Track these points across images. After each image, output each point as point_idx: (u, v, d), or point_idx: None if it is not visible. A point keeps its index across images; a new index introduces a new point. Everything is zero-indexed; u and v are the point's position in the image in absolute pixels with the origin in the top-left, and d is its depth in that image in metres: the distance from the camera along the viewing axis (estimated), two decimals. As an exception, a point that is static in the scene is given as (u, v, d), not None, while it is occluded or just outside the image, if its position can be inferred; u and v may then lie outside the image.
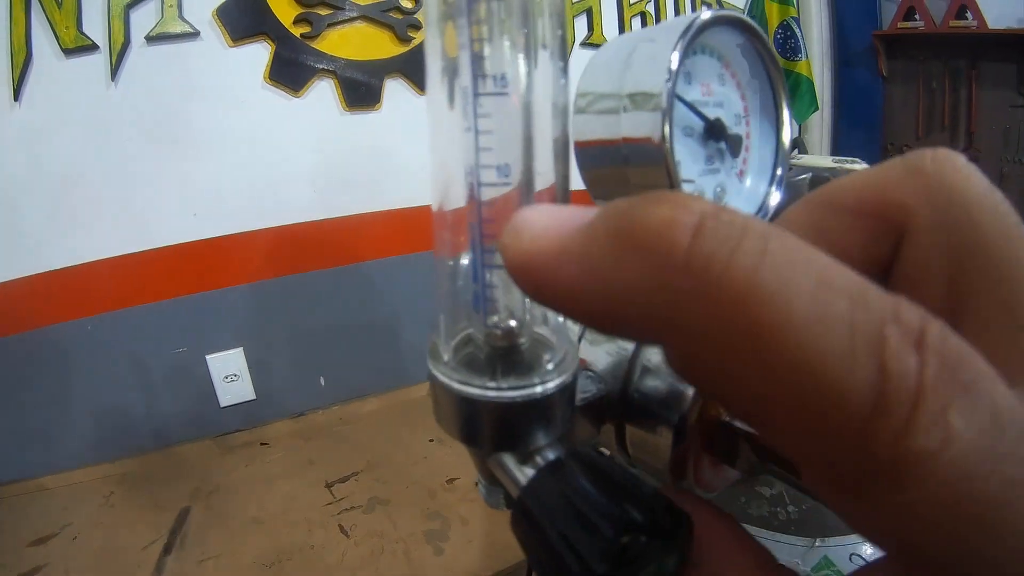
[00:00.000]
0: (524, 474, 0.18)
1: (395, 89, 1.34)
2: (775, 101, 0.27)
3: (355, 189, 1.35)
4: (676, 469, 0.23)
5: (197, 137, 1.19)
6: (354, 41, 1.28)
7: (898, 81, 2.30)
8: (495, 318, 0.19)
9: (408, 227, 1.37)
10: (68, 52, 1.06)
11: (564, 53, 0.18)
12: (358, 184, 1.35)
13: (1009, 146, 2.06)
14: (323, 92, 1.28)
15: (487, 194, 0.18)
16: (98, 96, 1.10)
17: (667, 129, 0.22)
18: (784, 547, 0.37)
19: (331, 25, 1.25)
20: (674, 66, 0.21)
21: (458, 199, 0.18)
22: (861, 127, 2.39)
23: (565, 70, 0.18)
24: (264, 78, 1.22)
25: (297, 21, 1.22)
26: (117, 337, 1.19)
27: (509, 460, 0.19)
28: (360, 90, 1.31)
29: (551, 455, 0.18)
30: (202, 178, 1.21)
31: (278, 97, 1.24)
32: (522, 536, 0.17)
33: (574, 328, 0.24)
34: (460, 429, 0.19)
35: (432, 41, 0.17)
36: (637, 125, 0.22)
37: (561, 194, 0.19)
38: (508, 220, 0.15)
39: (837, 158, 0.40)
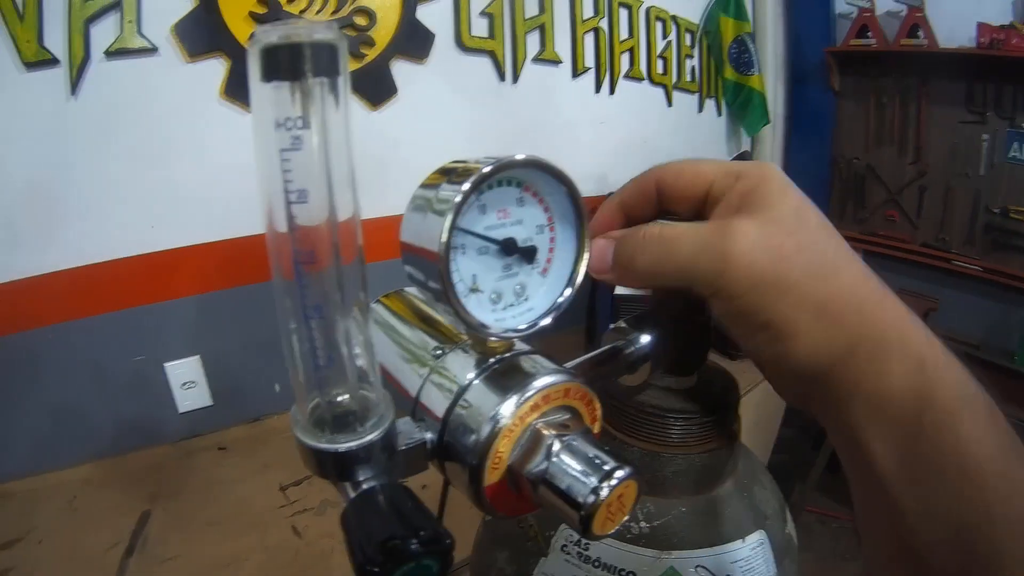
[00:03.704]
0: (350, 496, 0.27)
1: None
2: (577, 219, 0.32)
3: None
4: (479, 499, 0.29)
5: (155, 151, 1.21)
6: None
7: (850, 96, 2.38)
8: (332, 392, 0.28)
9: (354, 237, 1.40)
10: (29, 65, 1.07)
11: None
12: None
13: (957, 161, 2.14)
14: (277, 107, 1.30)
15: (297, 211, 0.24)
16: (58, 109, 1.12)
17: (446, 262, 0.28)
18: (634, 557, 0.42)
19: (287, 42, 1.28)
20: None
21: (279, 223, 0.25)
22: (812, 141, 2.46)
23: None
24: (220, 93, 1.25)
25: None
26: (77, 345, 1.21)
27: (347, 486, 0.28)
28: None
29: (372, 485, 0.27)
30: (159, 191, 1.23)
31: (233, 112, 1.27)
32: (344, 535, 0.26)
33: (415, 380, 0.32)
34: (314, 468, 0.28)
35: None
36: (429, 239, 0.27)
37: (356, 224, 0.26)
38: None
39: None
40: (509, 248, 0.30)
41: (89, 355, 1.23)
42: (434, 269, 0.27)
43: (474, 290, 0.30)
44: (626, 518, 0.28)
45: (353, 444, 0.26)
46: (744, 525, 0.46)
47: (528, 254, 0.31)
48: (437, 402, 0.31)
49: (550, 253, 0.32)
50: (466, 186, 0.27)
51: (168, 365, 1.29)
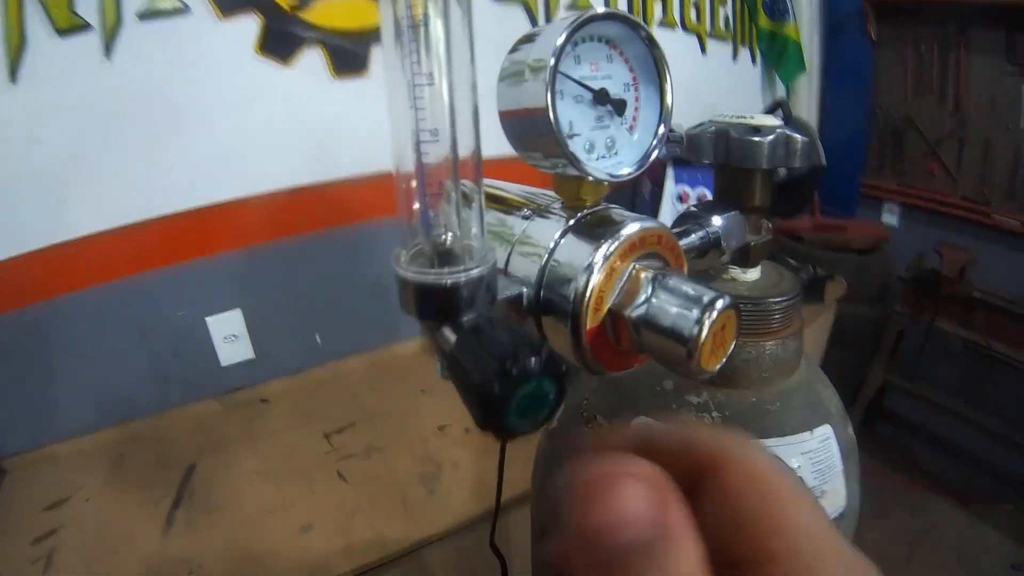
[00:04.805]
0: (450, 341, 0.26)
1: (382, 56, 1.36)
2: (658, 74, 0.33)
3: (346, 154, 1.38)
4: (579, 351, 0.29)
5: (191, 109, 1.21)
6: (341, 11, 1.31)
7: (887, 46, 2.31)
8: (437, 231, 0.27)
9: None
10: (62, 32, 1.07)
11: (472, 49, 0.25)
12: (349, 149, 1.38)
13: (997, 113, 2.07)
14: (312, 61, 1.30)
15: (425, 150, 0.26)
16: (93, 74, 1.12)
17: (551, 97, 0.28)
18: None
19: (319, -5, 1.28)
20: (557, 48, 0.28)
21: (407, 157, 0.27)
22: (850, 91, 2.40)
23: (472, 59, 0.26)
24: (255, 49, 1.24)
25: (285, -8, 1.24)
26: (119, 305, 1.23)
27: (446, 329, 0.27)
28: (348, 58, 1.34)
29: (473, 317, 0.26)
30: (197, 149, 1.24)
31: (269, 67, 1.26)
32: (453, 377, 0.25)
33: (501, 252, 0.32)
34: (416, 307, 0.27)
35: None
36: (533, 96, 0.28)
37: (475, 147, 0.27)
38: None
39: (740, 115, 0.45)
40: (602, 97, 0.31)
41: (131, 313, 1.24)
42: (541, 119, 0.28)
43: (571, 136, 0.30)
44: (722, 361, 0.28)
45: (461, 277, 0.26)
46: (811, 419, 0.47)
47: (619, 106, 0.32)
48: (529, 262, 0.31)
49: (635, 111, 0.33)
50: (564, 32, 0.28)
51: (210, 319, 1.31)
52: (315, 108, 1.33)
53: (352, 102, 1.36)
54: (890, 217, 2.42)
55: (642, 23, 0.31)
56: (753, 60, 2.18)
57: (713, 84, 2.02)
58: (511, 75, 0.30)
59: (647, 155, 0.32)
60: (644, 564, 0.16)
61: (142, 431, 1.26)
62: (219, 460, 1.16)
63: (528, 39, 0.30)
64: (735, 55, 2.13)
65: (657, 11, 1.79)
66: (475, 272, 0.26)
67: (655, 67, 0.32)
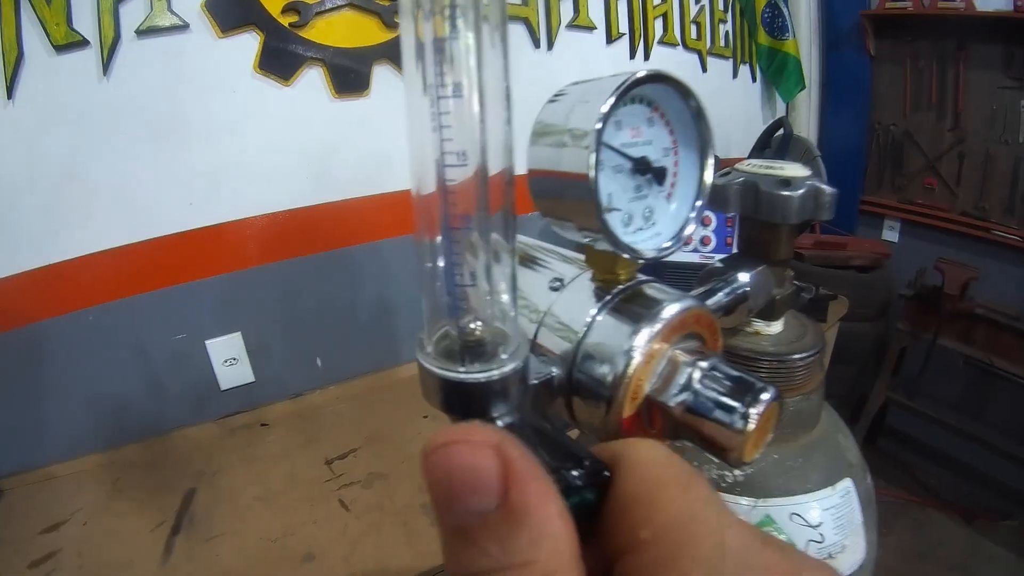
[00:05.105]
0: None
1: (383, 75, 1.36)
2: (701, 145, 0.31)
3: (346, 174, 1.37)
4: (610, 435, 0.27)
5: (190, 128, 1.20)
6: (342, 29, 1.30)
7: (886, 61, 2.32)
8: (465, 319, 0.24)
9: (398, 210, 1.40)
10: (59, 48, 1.06)
11: (507, 51, 0.22)
12: (349, 169, 1.37)
13: (996, 127, 2.08)
14: (312, 80, 1.29)
15: (450, 175, 0.22)
16: (91, 91, 1.11)
17: (595, 168, 0.26)
18: (731, 506, 0.41)
19: (319, 14, 1.27)
20: (603, 116, 0.26)
21: (429, 182, 0.23)
22: (849, 107, 2.41)
23: (508, 66, 0.22)
24: (254, 68, 1.23)
25: (285, 11, 1.23)
26: (118, 326, 1.21)
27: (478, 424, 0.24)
28: (349, 77, 1.33)
29: (508, 420, 0.24)
30: (197, 168, 1.22)
31: (268, 86, 1.25)
32: None
33: (528, 324, 0.30)
34: (441, 402, 0.24)
35: (406, 38, 0.21)
36: (573, 162, 0.26)
37: (508, 176, 0.23)
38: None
39: (768, 162, 0.44)
40: (643, 167, 0.29)
41: (130, 335, 1.23)
42: (581, 186, 0.26)
43: (609, 210, 0.28)
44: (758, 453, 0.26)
45: (495, 374, 0.23)
46: (832, 473, 0.47)
47: (660, 174, 0.30)
48: (560, 340, 0.29)
49: (674, 177, 0.31)
50: (611, 98, 0.26)
51: (209, 342, 1.29)
52: (315, 127, 1.32)
53: (353, 122, 1.35)
54: (890, 233, 2.42)
55: (691, 88, 0.29)
56: (753, 77, 2.19)
57: (714, 102, 2.00)
58: (547, 140, 0.28)
59: (684, 227, 0.31)
60: (486, 536, 0.16)
61: (141, 454, 1.24)
62: (219, 485, 1.14)
63: (561, 98, 0.29)
64: (735, 72, 2.14)
65: (658, 28, 1.79)
66: (510, 368, 0.23)
67: (698, 135, 0.31)
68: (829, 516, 0.45)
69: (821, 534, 0.45)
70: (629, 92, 0.27)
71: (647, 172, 0.29)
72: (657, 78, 0.28)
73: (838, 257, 2.01)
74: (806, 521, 0.45)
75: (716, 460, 0.39)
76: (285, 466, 1.18)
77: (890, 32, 2.26)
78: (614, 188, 0.29)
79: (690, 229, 0.31)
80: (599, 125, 0.25)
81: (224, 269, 1.29)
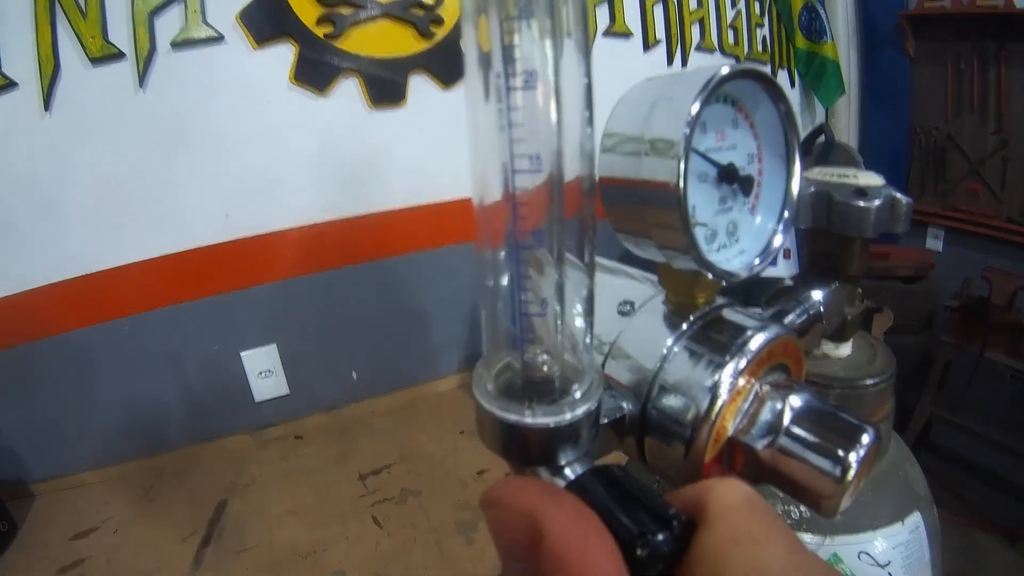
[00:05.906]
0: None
1: (419, 85, 1.35)
2: (787, 150, 0.28)
3: (382, 185, 1.36)
4: (689, 477, 0.24)
5: (226, 140, 1.21)
6: (377, 39, 1.29)
7: (926, 62, 2.24)
8: (531, 351, 0.21)
9: (436, 221, 1.39)
10: (95, 61, 1.08)
11: (588, 44, 0.19)
12: (385, 180, 1.36)
13: (1040, 128, 2.01)
14: (348, 90, 1.29)
15: (521, 181, 0.19)
16: (127, 103, 1.12)
17: (683, 176, 0.23)
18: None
19: (354, 24, 1.26)
20: (692, 118, 0.22)
21: (494, 190, 0.19)
22: (889, 110, 2.33)
23: (588, 60, 0.19)
24: (289, 79, 1.23)
25: (320, 21, 1.23)
26: (154, 336, 1.22)
27: (543, 472, 0.21)
28: (385, 87, 1.32)
29: (578, 469, 0.21)
30: (233, 179, 1.23)
31: (304, 97, 1.25)
32: None
33: (599, 356, 0.27)
34: (500, 447, 0.21)
35: (468, 35, 0.18)
36: (657, 170, 0.23)
37: (588, 184, 0.20)
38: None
39: (840, 170, 0.41)
40: (730, 175, 0.26)
41: (165, 345, 1.23)
42: (665, 197, 0.22)
43: (695, 224, 0.25)
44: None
45: (565, 418, 0.20)
46: (902, 506, 0.44)
47: (747, 184, 0.26)
48: (631, 372, 0.26)
49: (758, 188, 0.28)
50: (701, 95, 0.22)
51: (244, 354, 1.29)
52: (351, 138, 1.32)
53: (389, 132, 1.34)
54: (934, 242, 2.34)
55: (783, 88, 0.26)
56: (791, 83, 2.14)
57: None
58: (622, 145, 0.25)
59: (770, 242, 0.28)
60: None
61: (173, 463, 1.24)
62: (251, 497, 1.14)
63: (636, 95, 0.25)
64: (774, 77, 2.07)
65: (695, 34, 1.75)
66: (582, 411, 0.20)
67: (784, 138, 0.27)
68: (898, 555, 0.43)
69: (890, 573, 0.42)
70: (717, 90, 0.23)
71: (734, 181, 0.26)
72: (748, 74, 0.25)
73: (881, 267, 1.94)
74: (875, 560, 0.42)
75: (780, 496, 0.36)
76: (318, 480, 1.17)
77: (929, 32, 2.19)
78: (698, 200, 0.25)
79: (777, 243, 0.28)
80: (687, 130, 0.22)
81: (259, 280, 1.29)
